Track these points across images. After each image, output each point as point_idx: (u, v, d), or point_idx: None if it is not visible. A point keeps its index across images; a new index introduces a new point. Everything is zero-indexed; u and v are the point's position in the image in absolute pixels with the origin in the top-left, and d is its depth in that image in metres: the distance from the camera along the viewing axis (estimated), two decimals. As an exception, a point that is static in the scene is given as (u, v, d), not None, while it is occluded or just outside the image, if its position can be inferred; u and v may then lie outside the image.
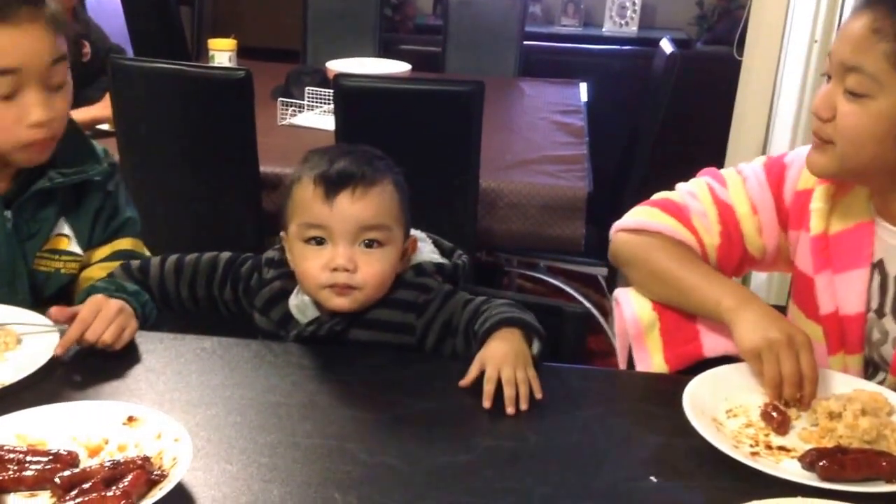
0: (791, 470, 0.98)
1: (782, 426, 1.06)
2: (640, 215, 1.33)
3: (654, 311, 1.28)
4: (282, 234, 1.27)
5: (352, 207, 1.17)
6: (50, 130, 1.24)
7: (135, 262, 1.35)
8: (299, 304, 1.27)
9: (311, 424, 1.06)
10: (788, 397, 1.09)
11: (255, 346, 1.23)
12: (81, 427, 1.00)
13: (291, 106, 2.57)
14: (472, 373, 1.12)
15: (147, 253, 1.45)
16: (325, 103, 2.58)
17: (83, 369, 1.15)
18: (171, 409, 1.06)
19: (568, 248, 2.16)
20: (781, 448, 1.03)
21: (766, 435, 1.06)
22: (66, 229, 1.36)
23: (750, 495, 0.92)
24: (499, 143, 2.37)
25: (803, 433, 1.06)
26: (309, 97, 2.59)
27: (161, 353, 1.21)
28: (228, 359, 1.20)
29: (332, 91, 2.55)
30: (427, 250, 1.30)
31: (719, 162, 2.84)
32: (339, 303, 1.20)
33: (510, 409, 1.08)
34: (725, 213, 1.30)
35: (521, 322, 1.17)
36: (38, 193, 1.31)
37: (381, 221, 1.19)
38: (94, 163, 1.37)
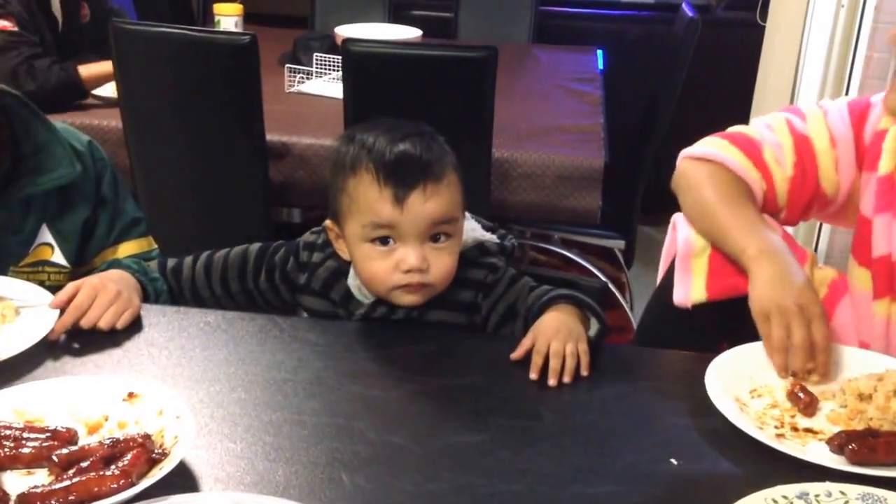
0: (818, 453, 0.94)
1: (809, 407, 1.01)
2: (708, 145, 1.30)
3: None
4: (327, 222, 1.20)
5: (424, 207, 1.10)
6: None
7: (170, 263, 1.30)
8: (360, 284, 1.20)
9: (317, 402, 1.02)
10: (796, 368, 1.05)
11: (260, 321, 1.19)
12: (80, 403, 0.97)
13: (299, 73, 2.50)
14: (525, 345, 1.09)
15: (156, 248, 1.40)
16: (333, 70, 2.52)
17: (82, 343, 1.12)
18: (173, 385, 1.03)
19: (584, 219, 2.11)
20: (808, 430, 0.99)
21: (793, 416, 1.01)
22: (49, 238, 1.30)
23: (775, 479, 0.87)
24: (512, 111, 2.30)
25: (831, 415, 1.01)
26: (317, 64, 2.53)
27: (163, 326, 1.17)
28: (233, 333, 1.16)
29: (341, 57, 2.50)
30: (475, 227, 1.25)
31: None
32: (411, 299, 1.15)
33: (552, 381, 1.05)
34: (802, 145, 1.26)
35: (576, 299, 1.13)
36: (10, 202, 1.24)
37: (452, 214, 1.13)
38: (68, 166, 1.29)
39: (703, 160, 1.28)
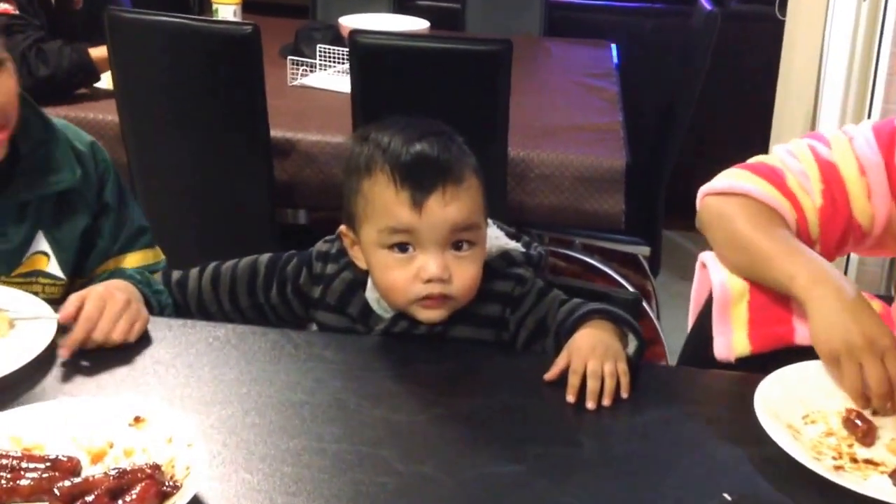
0: (881, 487, 0.87)
1: (868, 436, 0.94)
2: (728, 177, 1.21)
3: (746, 282, 1.14)
4: (342, 228, 1.13)
5: (443, 212, 1.03)
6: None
7: (175, 275, 1.22)
8: (378, 297, 1.13)
9: (338, 427, 0.94)
10: (878, 407, 0.97)
11: (272, 336, 1.12)
12: (83, 428, 0.90)
13: (302, 65, 2.42)
14: (559, 364, 1.02)
15: (163, 259, 1.32)
16: (338, 62, 2.43)
17: (82, 360, 1.04)
18: (181, 407, 0.95)
19: (607, 224, 2.02)
20: (868, 461, 0.92)
21: (850, 445, 0.94)
22: (45, 246, 1.21)
23: (837, 516, 0.81)
24: (526, 108, 2.21)
25: (893, 444, 0.94)
26: (321, 56, 2.45)
27: (170, 341, 1.09)
28: (244, 349, 1.09)
29: (346, 49, 2.41)
30: (498, 235, 1.17)
31: (764, 132, 2.68)
32: (431, 315, 1.07)
33: (590, 404, 0.98)
34: (829, 172, 1.17)
35: (612, 314, 1.06)
36: (4, 207, 1.15)
37: (474, 220, 1.06)
38: (69, 170, 1.20)
39: (727, 194, 1.19)
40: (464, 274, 1.06)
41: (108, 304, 1.05)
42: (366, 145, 1.07)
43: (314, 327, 1.22)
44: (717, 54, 2.43)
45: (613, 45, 2.92)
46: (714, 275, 1.18)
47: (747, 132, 2.80)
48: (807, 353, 1.05)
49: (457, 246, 1.06)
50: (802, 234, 1.18)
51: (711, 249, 1.23)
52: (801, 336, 1.10)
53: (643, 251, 2.41)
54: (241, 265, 1.21)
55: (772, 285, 1.12)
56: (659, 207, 2.46)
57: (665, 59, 2.66)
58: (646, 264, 2.58)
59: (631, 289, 2.20)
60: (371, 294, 1.14)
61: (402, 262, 1.05)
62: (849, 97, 2.41)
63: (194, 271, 1.22)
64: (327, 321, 1.17)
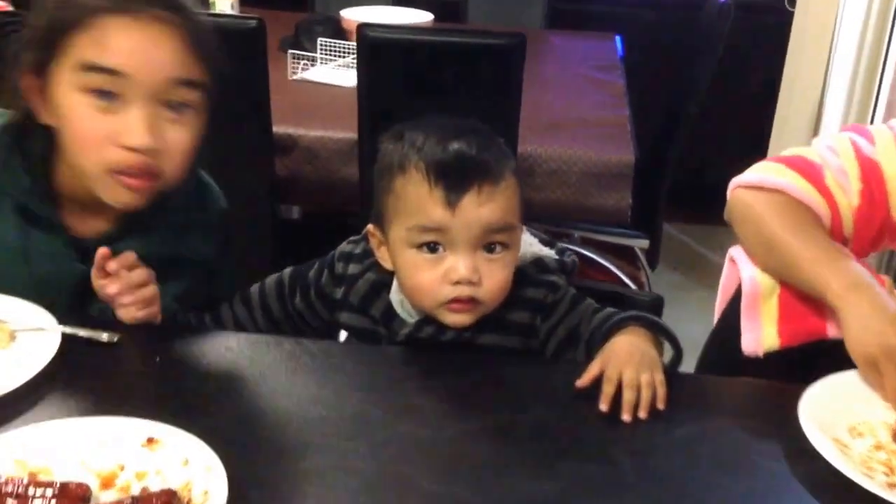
0: (938, 505, 0.83)
1: (919, 449, 0.90)
2: (761, 170, 1.16)
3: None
4: (369, 227, 1.09)
5: (478, 211, 0.99)
6: (146, 161, 0.99)
7: (206, 318, 1.18)
8: (403, 300, 1.09)
9: (362, 444, 0.89)
10: None
11: (287, 346, 1.06)
12: (92, 450, 0.84)
13: (303, 59, 2.36)
14: (592, 371, 0.96)
15: None
16: (340, 56, 2.37)
17: (87, 374, 0.98)
18: (194, 423, 0.89)
19: (613, 219, 1.99)
20: (921, 477, 0.88)
21: (901, 459, 0.90)
22: None
23: (894, 539, 0.77)
24: (532, 102, 2.15)
25: (946, 458, 0.90)
26: (322, 49, 2.39)
27: (179, 351, 1.04)
28: (258, 361, 1.03)
29: (347, 43, 2.36)
30: (532, 241, 1.13)
31: (768, 126, 2.64)
32: (458, 320, 1.03)
33: (626, 417, 0.93)
34: (869, 170, 1.13)
35: (648, 321, 1.02)
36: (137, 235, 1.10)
37: (509, 222, 1.02)
38: (205, 244, 1.16)
39: (759, 188, 1.14)
40: (494, 277, 1.02)
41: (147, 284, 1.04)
42: (399, 144, 1.03)
43: (342, 335, 1.18)
44: (724, 45, 2.38)
45: (618, 37, 2.87)
46: (744, 269, 1.14)
47: (750, 125, 2.76)
48: (838, 346, 1.01)
49: (489, 248, 1.01)
50: (835, 232, 1.14)
51: (737, 244, 1.19)
52: (834, 330, 1.06)
53: (642, 244, 2.37)
54: (267, 281, 1.19)
55: (804, 289, 1.08)
56: (660, 201, 2.43)
57: (670, 51, 2.61)
58: (642, 256, 2.55)
59: (631, 284, 2.17)
60: (395, 296, 1.10)
61: (431, 263, 1.01)
62: (855, 90, 2.37)
63: (224, 305, 1.19)
64: (351, 322, 1.13)
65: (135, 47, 0.97)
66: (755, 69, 2.84)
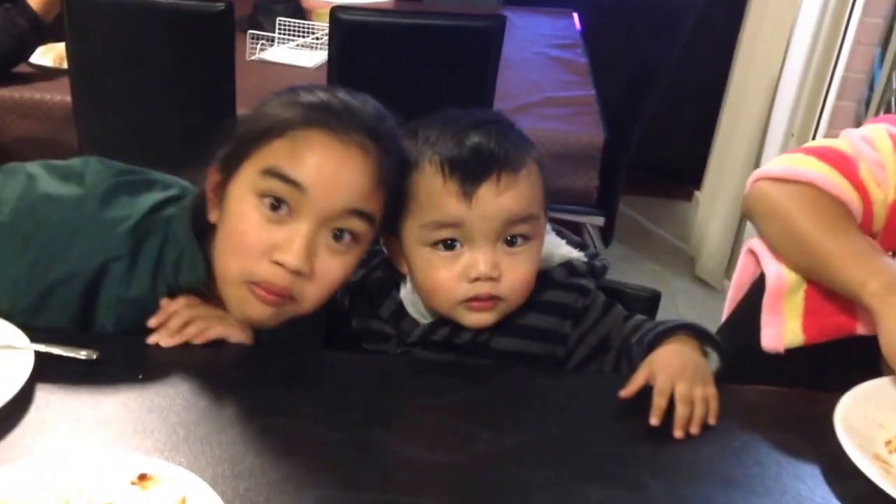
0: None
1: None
2: (790, 162, 1.11)
3: None
4: (383, 238, 1.03)
5: (496, 201, 0.93)
6: (290, 282, 0.93)
7: None
8: (414, 299, 1.03)
9: (370, 472, 0.84)
10: None
11: (284, 361, 1.00)
12: (76, 488, 0.77)
13: (261, 39, 2.26)
14: (638, 381, 0.92)
15: None
16: (298, 36, 2.28)
17: (71, 399, 0.90)
18: (187, 454, 0.83)
19: (579, 200, 1.97)
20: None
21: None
22: None
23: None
24: (499, 83, 2.12)
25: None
26: (280, 29, 2.29)
27: (172, 371, 0.96)
28: (256, 376, 0.97)
29: (306, 22, 2.27)
30: (560, 243, 1.08)
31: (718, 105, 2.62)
32: (478, 319, 0.97)
33: (679, 433, 0.89)
34: None
35: (698, 330, 0.97)
36: None
37: (531, 212, 0.96)
38: None
39: (786, 181, 1.09)
40: (515, 272, 0.96)
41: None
42: (413, 140, 0.97)
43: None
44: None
45: (575, 14, 2.83)
46: (769, 265, 1.10)
47: (704, 101, 2.75)
48: (865, 342, 1.00)
49: (510, 241, 0.96)
50: (864, 227, 1.11)
51: (757, 237, 1.15)
52: (864, 328, 1.04)
53: (597, 221, 2.33)
54: None
55: (836, 288, 1.04)
56: (619, 179, 2.41)
57: (630, 27, 2.57)
58: (596, 233, 2.52)
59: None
60: (407, 296, 1.04)
61: (448, 261, 0.96)
62: (812, 64, 2.38)
63: None
64: (359, 324, 1.08)
65: (323, 165, 0.92)
66: (712, 44, 2.82)
